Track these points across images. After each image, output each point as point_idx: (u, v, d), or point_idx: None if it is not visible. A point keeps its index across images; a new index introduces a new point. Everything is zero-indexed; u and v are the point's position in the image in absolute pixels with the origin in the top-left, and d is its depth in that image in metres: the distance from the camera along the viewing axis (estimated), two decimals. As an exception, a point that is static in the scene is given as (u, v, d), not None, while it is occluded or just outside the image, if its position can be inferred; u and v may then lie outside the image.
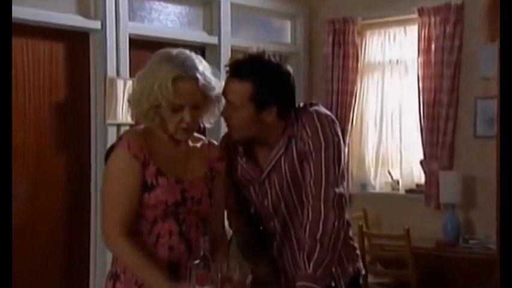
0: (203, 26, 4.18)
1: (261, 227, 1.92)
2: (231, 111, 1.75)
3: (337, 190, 1.73)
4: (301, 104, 1.84)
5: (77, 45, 3.56)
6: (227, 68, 1.78)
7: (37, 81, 3.42)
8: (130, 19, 3.71)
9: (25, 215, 3.36)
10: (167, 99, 1.66)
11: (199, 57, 1.74)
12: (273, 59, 1.76)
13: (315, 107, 1.82)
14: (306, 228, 1.71)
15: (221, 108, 1.77)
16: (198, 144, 1.83)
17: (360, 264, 1.95)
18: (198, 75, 1.68)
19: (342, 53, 4.61)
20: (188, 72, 1.67)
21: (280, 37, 4.80)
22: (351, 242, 1.94)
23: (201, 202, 1.76)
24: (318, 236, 1.69)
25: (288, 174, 1.79)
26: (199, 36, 4.13)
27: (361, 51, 4.64)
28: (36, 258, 3.41)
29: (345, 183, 1.78)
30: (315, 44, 4.83)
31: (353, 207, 4.16)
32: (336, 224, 1.70)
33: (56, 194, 3.51)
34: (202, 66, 1.72)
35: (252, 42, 4.26)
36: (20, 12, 3.17)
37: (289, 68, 1.79)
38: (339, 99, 4.62)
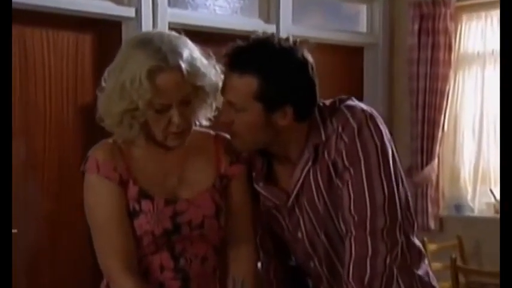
0: (259, 12, 4.10)
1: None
2: (233, 114, 1.57)
3: (388, 216, 1.55)
4: (328, 102, 1.65)
5: (107, 36, 3.50)
6: (225, 59, 1.59)
7: (60, 78, 3.38)
8: (170, 5, 3.64)
9: (47, 233, 3.32)
10: (145, 100, 1.48)
11: (183, 37, 1.57)
12: (284, 43, 1.58)
13: (348, 102, 1.63)
14: (349, 268, 1.55)
15: (218, 99, 1.60)
16: (200, 143, 1.64)
17: None
18: (181, 63, 1.49)
19: (431, 43, 4.43)
20: (168, 60, 1.48)
21: (353, 25, 4.64)
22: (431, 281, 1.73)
23: (203, 225, 1.58)
24: (367, 279, 1.53)
25: (324, 194, 1.61)
26: (254, 24, 3.98)
27: (455, 41, 4.44)
28: (60, 279, 3.37)
29: (400, 199, 1.56)
30: (396, 32, 4.69)
31: (444, 235, 4.11)
32: (388, 260, 1.54)
33: (83, 210, 3.46)
34: (187, 49, 1.52)
35: (317, 32, 4.20)
36: (41, -2, 3.17)
37: (307, 54, 1.60)
38: (427, 99, 4.44)
